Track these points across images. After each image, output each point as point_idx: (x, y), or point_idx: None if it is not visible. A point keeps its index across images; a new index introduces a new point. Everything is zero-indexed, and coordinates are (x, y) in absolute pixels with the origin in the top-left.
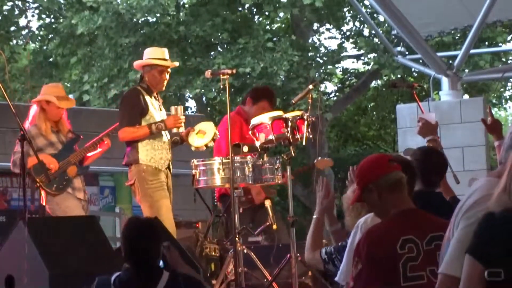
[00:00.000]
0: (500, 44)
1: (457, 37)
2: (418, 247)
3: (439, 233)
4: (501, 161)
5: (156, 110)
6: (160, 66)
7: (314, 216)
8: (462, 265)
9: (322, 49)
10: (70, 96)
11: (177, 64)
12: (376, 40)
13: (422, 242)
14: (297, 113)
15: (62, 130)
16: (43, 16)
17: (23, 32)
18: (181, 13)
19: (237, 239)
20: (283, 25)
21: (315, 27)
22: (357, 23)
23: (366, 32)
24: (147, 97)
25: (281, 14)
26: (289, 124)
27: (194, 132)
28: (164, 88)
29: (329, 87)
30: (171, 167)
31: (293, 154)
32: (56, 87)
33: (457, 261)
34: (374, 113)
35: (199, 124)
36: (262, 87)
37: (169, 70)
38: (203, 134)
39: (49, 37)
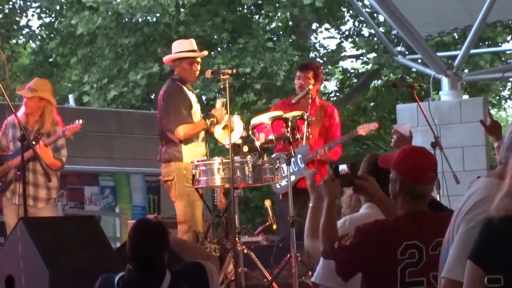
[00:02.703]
0: (500, 44)
1: (457, 37)
2: (421, 252)
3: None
4: (501, 161)
5: (195, 102)
6: (189, 58)
7: (310, 205)
8: (463, 269)
9: (322, 50)
10: (70, 96)
11: (205, 53)
12: (376, 40)
13: (428, 247)
14: (297, 113)
15: (35, 130)
16: (43, 15)
17: (23, 32)
18: (181, 13)
19: (237, 239)
20: (281, 24)
21: (314, 27)
22: (356, 23)
23: (366, 32)
24: (185, 90)
25: (280, 14)
26: (289, 124)
27: (220, 126)
28: (196, 80)
29: (329, 87)
30: None
31: (293, 154)
32: (36, 79)
33: (460, 264)
34: (374, 113)
35: (226, 117)
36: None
37: (199, 60)
38: (230, 130)
39: (50, 37)
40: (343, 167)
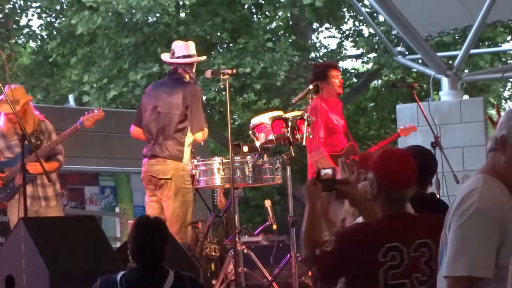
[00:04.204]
0: (500, 44)
1: (457, 37)
2: (403, 255)
3: (425, 240)
4: (492, 146)
5: None
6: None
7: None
8: (465, 264)
9: (322, 49)
10: (71, 96)
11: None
12: (376, 40)
13: (408, 249)
14: (297, 113)
15: (36, 131)
16: (44, 15)
17: (24, 31)
18: (181, 13)
19: (237, 239)
20: (282, 24)
21: (314, 27)
22: (356, 23)
23: (366, 32)
24: None
25: (280, 14)
26: (289, 124)
27: None
28: None
29: None
30: None
31: (293, 154)
32: (11, 90)
33: (460, 259)
34: (374, 113)
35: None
36: (316, 67)
37: None
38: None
39: (50, 36)
40: (325, 172)
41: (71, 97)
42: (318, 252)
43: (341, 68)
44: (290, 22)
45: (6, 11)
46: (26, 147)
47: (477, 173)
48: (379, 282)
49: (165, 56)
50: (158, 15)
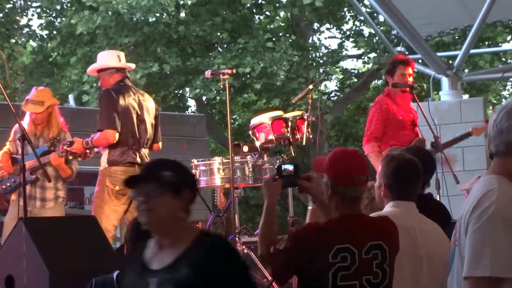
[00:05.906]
0: (500, 44)
1: (457, 37)
2: (354, 256)
3: (378, 242)
4: (493, 151)
5: None
6: None
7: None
8: (487, 264)
9: (322, 49)
10: (70, 96)
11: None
12: (376, 40)
13: (360, 250)
14: (297, 113)
15: (45, 135)
16: (44, 15)
17: (23, 31)
18: (181, 13)
19: (237, 239)
20: (283, 24)
21: (315, 27)
22: (357, 23)
23: (366, 32)
24: None
25: (281, 14)
26: (289, 124)
27: None
28: None
29: (330, 86)
30: None
31: (293, 154)
32: (36, 91)
33: (482, 260)
34: None
35: None
36: (389, 60)
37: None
38: None
39: (50, 36)
40: (286, 167)
41: (71, 97)
42: (272, 250)
43: (341, 68)
44: (291, 23)
45: (6, 11)
46: (41, 151)
47: (488, 174)
48: (328, 283)
49: (111, 62)
50: (158, 14)
